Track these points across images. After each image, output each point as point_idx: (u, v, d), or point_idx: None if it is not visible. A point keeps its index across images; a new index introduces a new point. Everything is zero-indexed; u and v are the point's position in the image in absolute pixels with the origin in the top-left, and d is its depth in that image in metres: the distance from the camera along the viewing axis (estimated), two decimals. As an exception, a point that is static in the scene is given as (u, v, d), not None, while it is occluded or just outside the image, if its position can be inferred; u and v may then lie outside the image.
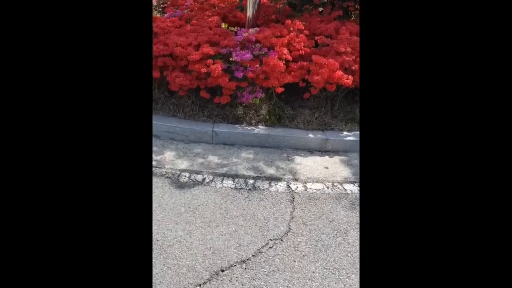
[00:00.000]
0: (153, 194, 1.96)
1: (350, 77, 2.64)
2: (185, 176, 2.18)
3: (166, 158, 2.36)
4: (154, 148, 2.48)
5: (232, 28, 3.05)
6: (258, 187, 2.13)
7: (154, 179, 2.11)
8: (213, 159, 2.41)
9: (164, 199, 1.92)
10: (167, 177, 2.15)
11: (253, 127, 2.72)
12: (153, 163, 2.29)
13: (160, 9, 8.10)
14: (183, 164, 2.31)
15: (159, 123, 2.65)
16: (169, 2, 6.54)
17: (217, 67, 2.61)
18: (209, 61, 2.67)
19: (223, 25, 3.19)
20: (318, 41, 2.97)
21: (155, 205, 1.87)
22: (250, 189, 2.10)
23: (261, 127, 2.75)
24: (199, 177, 2.18)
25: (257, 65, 2.72)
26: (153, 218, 1.77)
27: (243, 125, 2.75)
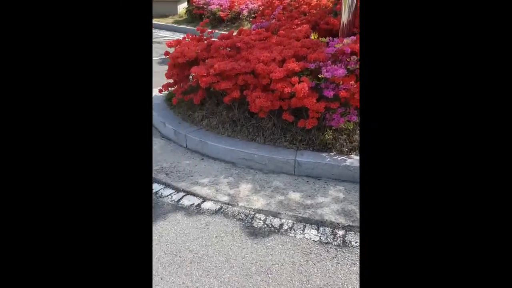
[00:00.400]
0: (221, 243, 1.66)
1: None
2: (260, 219, 1.84)
3: (241, 193, 2.06)
4: (229, 179, 2.21)
5: (323, 39, 2.64)
6: (350, 242, 1.67)
7: (224, 221, 1.82)
8: (295, 196, 2.03)
9: (232, 251, 1.61)
10: (239, 219, 1.84)
11: (344, 157, 2.26)
12: (226, 198, 2.01)
13: (251, 19, 8.08)
14: (259, 201, 1.98)
15: (237, 149, 2.38)
16: (259, 12, 6.39)
17: (303, 87, 2.22)
18: (294, 79, 2.30)
19: (313, 36, 2.78)
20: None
21: (221, 258, 1.57)
22: (339, 245, 1.65)
23: (355, 157, 2.26)
24: (276, 222, 1.82)
25: (352, 82, 2.25)
26: (217, 277, 1.47)
27: (332, 154, 2.30)
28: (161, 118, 2.88)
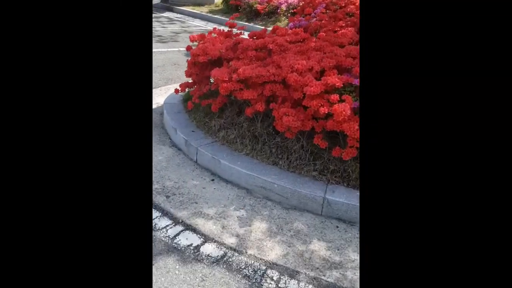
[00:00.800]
0: (217, 311, 1.27)
1: None
2: (272, 279, 1.43)
3: (252, 234, 1.65)
4: (240, 212, 1.81)
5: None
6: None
7: (226, 277, 1.42)
8: (319, 247, 1.60)
9: (229, 329, 1.21)
10: (245, 275, 1.44)
11: (386, 200, 1.80)
12: (233, 240, 1.61)
13: (289, 15, 7.61)
14: (273, 250, 1.57)
15: (254, 175, 1.97)
16: (299, 8, 5.94)
17: (344, 108, 1.77)
18: (334, 96, 1.85)
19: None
20: None
21: None
22: (374, 338, 1.21)
23: (400, 202, 1.79)
24: (293, 286, 1.40)
25: (407, 108, 1.78)
26: None
27: (372, 194, 1.84)
28: (173, 123, 2.52)
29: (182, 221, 1.71)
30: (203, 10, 9.07)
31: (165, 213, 1.75)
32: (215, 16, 8.40)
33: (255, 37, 2.82)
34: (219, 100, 2.35)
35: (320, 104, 1.86)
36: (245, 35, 3.11)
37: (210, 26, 7.55)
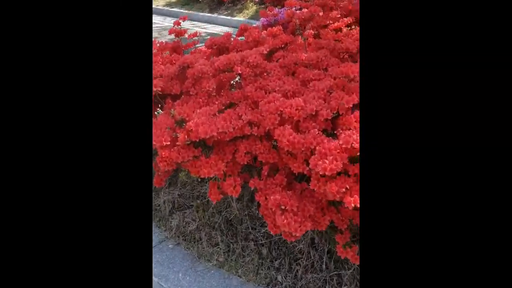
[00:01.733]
0: None
1: None
2: None
3: None
4: None
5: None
6: None
7: None
8: None
9: None
10: None
11: None
12: None
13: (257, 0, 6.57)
14: None
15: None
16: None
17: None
18: (369, 172, 0.97)
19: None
20: None
21: None
22: None
23: None
24: None
25: None
26: None
27: None
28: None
29: None
30: (159, 3, 7.90)
31: None
32: (173, 9, 7.28)
33: (215, 46, 1.90)
34: (163, 170, 1.42)
35: (342, 188, 0.97)
36: (201, 44, 2.16)
37: (168, 23, 6.47)
